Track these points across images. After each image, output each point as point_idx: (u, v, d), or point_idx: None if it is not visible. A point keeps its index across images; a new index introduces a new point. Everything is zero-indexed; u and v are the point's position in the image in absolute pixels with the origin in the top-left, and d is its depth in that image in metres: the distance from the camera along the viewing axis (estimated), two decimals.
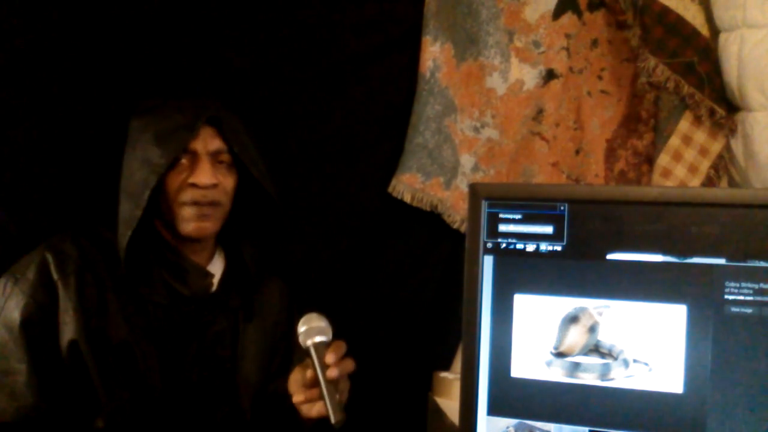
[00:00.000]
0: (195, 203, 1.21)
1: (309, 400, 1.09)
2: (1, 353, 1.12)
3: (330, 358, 1.05)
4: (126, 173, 1.20)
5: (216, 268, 1.31)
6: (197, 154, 1.22)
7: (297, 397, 1.10)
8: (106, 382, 1.15)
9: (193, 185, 1.20)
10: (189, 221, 1.21)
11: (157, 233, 1.25)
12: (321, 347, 1.08)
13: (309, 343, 1.08)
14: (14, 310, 1.13)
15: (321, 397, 1.05)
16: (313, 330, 1.09)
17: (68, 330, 1.14)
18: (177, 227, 1.22)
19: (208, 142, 1.22)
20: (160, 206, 1.23)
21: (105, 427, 1.15)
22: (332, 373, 1.05)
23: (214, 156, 1.23)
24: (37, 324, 1.13)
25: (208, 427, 1.25)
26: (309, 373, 1.08)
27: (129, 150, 1.21)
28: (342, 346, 1.09)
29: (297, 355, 1.29)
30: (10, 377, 1.11)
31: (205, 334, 1.26)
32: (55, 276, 1.15)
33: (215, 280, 1.29)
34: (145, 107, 1.25)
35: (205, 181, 1.20)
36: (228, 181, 1.25)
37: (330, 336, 1.10)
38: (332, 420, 1.03)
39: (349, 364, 1.09)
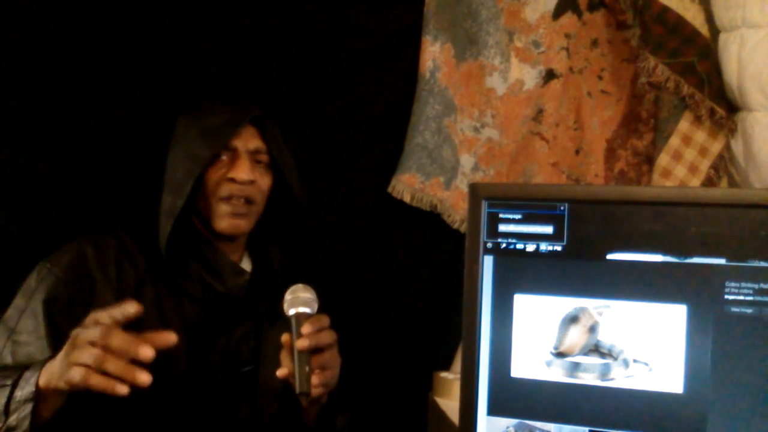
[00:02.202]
0: (231, 198, 1.23)
1: (291, 374, 1.08)
2: (27, 340, 1.12)
3: (305, 328, 1.06)
4: (170, 168, 1.23)
5: (245, 269, 1.32)
6: (237, 151, 1.24)
7: (280, 371, 1.09)
8: None
9: (231, 180, 1.23)
10: (224, 218, 1.23)
11: (196, 230, 1.27)
12: (301, 317, 1.08)
13: (291, 312, 1.09)
14: (42, 291, 1.14)
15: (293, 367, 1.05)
16: (297, 300, 1.09)
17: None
18: (213, 223, 1.24)
19: (248, 140, 1.25)
20: (198, 202, 1.25)
21: (120, 418, 1.14)
22: (301, 343, 1.05)
23: (253, 154, 1.26)
24: (61, 303, 1.14)
25: (225, 426, 1.25)
26: (285, 337, 1.08)
27: (174, 146, 1.24)
28: (322, 320, 1.10)
29: None
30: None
31: (232, 332, 1.27)
32: (93, 267, 1.17)
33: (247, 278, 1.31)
34: (192, 107, 1.29)
35: (243, 177, 1.22)
36: (264, 181, 1.28)
37: (314, 309, 1.10)
38: (296, 389, 1.04)
39: (325, 336, 1.09)
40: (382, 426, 1.67)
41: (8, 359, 1.10)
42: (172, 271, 1.22)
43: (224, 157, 1.24)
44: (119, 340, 0.91)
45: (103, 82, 1.44)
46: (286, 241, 1.40)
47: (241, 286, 1.29)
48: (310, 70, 1.64)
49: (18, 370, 1.01)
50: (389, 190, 1.73)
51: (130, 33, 1.46)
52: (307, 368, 1.05)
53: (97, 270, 1.17)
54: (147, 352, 0.92)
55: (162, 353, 1.16)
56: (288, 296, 1.11)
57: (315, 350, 1.08)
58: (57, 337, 1.11)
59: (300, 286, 1.12)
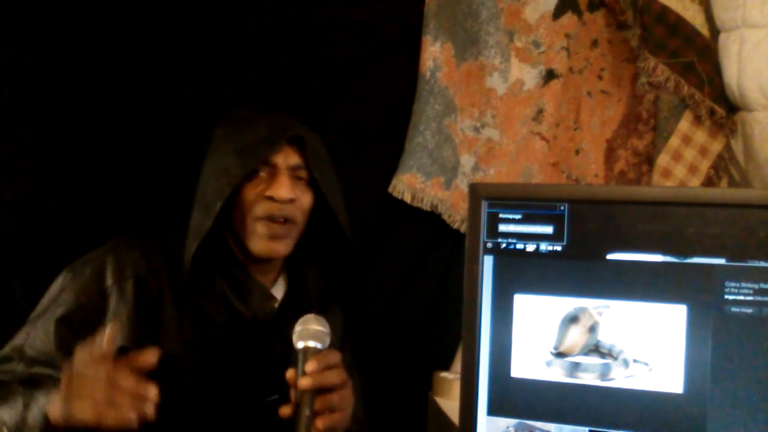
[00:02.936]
0: (270, 218, 1.15)
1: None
2: (44, 342, 1.09)
3: (309, 365, 0.98)
4: (202, 182, 1.16)
5: (278, 291, 1.25)
6: (277, 168, 1.17)
7: (284, 409, 1.00)
8: None
9: (270, 198, 1.15)
10: (261, 239, 1.16)
11: (228, 248, 1.20)
12: (309, 352, 1.00)
13: (299, 345, 1.01)
14: (63, 305, 1.11)
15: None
16: (306, 333, 1.01)
17: (119, 336, 1.09)
18: (247, 244, 1.16)
19: (288, 156, 1.18)
20: (233, 220, 1.18)
21: None
22: (303, 382, 0.97)
23: (294, 171, 1.18)
24: (74, 325, 1.10)
25: None
26: (290, 373, 1.01)
27: (209, 159, 1.18)
28: (330, 357, 1.02)
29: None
30: (40, 367, 1.09)
31: (258, 358, 1.20)
32: (109, 281, 1.12)
33: (275, 305, 1.24)
34: (230, 119, 1.21)
35: (284, 195, 1.14)
36: (305, 198, 1.20)
37: (325, 343, 1.02)
38: None
39: (333, 376, 1.01)
40: (383, 426, 1.66)
41: (20, 368, 1.09)
42: (194, 292, 1.15)
43: (262, 174, 1.16)
44: (125, 380, 0.90)
45: (125, 84, 1.45)
46: (327, 263, 1.31)
47: (268, 312, 1.22)
48: (311, 70, 1.64)
49: (27, 390, 1.01)
50: (390, 190, 1.73)
51: (140, 36, 1.46)
52: (307, 411, 0.96)
53: (114, 285, 1.12)
54: (153, 391, 0.90)
55: (180, 379, 1.12)
56: (297, 327, 1.02)
57: (322, 390, 1.00)
58: (66, 356, 1.08)
59: (311, 316, 1.04)
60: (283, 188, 1.15)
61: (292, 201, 1.16)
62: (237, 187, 1.14)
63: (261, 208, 1.15)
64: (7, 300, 1.23)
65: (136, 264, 1.14)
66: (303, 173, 1.20)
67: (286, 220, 1.17)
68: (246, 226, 1.16)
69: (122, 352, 1.08)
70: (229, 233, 1.20)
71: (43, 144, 1.40)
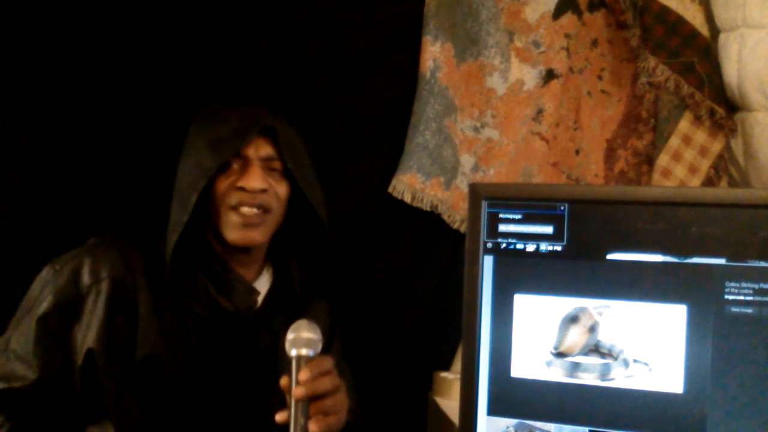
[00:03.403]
0: (242, 207, 1.16)
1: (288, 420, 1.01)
2: (26, 339, 1.11)
3: (303, 374, 0.98)
4: (179, 178, 1.18)
5: (262, 284, 1.26)
6: (248, 159, 1.18)
7: (279, 415, 1.01)
8: (119, 398, 1.12)
9: (242, 189, 1.16)
10: (235, 228, 1.16)
11: (207, 243, 1.21)
12: (302, 360, 1.00)
13: (293, 354, 1.01)
14: (43, 302, 1.12)
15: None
16: (299, 340, 1.01)
17: (89, 338, 1.11)
18: (224, 234, 1.17)
19: (260, 147, 1.18)
20: (209, 213, 1.19)
21: None
22: (297, 391, 0.98)
23: (266, 162, 1.19)
24: (51, 324, 1.11)
25: None
26: (284, 380, 1.01)
27: (184, 155, 1.19)
28: (321, 364, 1.02)
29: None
30: (18, 363, 1.11)
31: (243, 352, 1.20)
32: (86, 282, 1.12)
33: (260, 298, 1.24)
34: (204, 115, 1.23)
35: (255, 186, 1.15)
36: (280, 188, 1.21)
37: (317, 349, 1.02)
38: None
39: (326, 382, 1.02)
40: (383, 426, 1.67)
41: (2, 359, 1.11)
42: (176, 287, 1.16)
43: (234, 166, 1.17)
44: None
45: (118, 83, 1.44)
46: (307, 255, 1.31)
47: (250, 306, 1.22)
48: (310, 70, 1.64)
49: None
50: (390, 190, 1.73)
51: (137, 34, 1.46)
52: (302, 419, 0.97)
53: (90, 286, 1.12)
54: None
55: (161, 379, 1.12)
56: (290, 335, 1.03)
57: (316, 396, 1.01)
58: (42, 356, 1.10)
59: (304, 322, 1.04)
60: (254, 179, 1.16)
61: (264, 191, 1.17)
62: (211, 180, 1.16)
63: (233, 198, 1.16)
64: (7, 299, 1.23)
65: (113, 264, 1.14)
66: (276, 164, 1.20)
67: (265, 210, 1.18)
68: (220, 216, 1.17)
69: (89, 356, 1.10)
70: (207, 228, 1.21)
71: (42, 143, 1.40)
